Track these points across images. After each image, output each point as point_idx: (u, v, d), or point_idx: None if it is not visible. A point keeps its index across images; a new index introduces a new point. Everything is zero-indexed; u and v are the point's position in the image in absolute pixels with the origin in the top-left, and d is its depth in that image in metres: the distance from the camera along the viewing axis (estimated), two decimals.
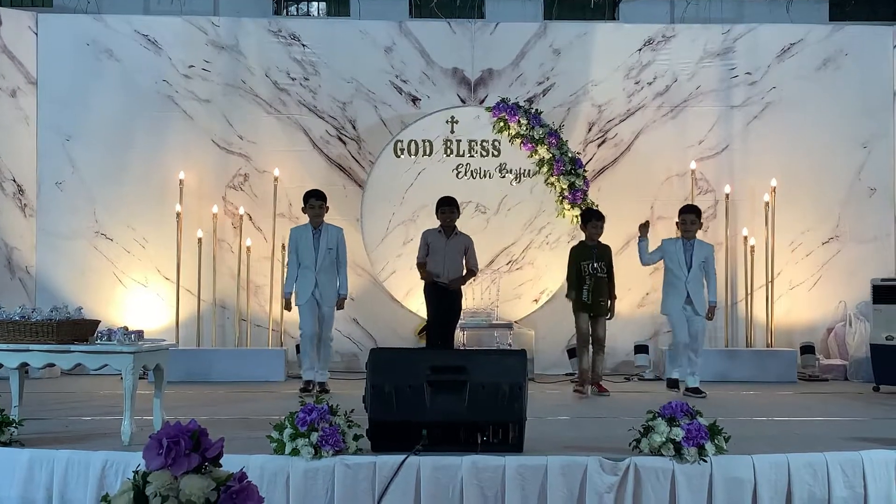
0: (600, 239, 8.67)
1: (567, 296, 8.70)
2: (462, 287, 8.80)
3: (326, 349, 8.57)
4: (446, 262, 8.59)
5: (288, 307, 8.59)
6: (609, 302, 8.58)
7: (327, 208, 8.59)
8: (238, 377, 9.38)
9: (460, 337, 9.40)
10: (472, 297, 9.86)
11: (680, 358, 8.61)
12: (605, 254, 8.63)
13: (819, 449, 5.21)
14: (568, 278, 8.70)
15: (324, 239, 8.45)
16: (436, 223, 8.77)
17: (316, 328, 8.47)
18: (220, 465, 2.84)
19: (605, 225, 8.71)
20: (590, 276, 8.45)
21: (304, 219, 8.67)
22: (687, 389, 8.42)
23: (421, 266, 8.70)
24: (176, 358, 9.19)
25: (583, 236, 8.87)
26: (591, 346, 8.59)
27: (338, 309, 8.61)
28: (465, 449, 4.97)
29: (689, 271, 8.50)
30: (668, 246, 8.66)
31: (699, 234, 8.82)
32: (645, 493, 4.85)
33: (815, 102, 10.66)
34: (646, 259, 8.74)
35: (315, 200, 8.49)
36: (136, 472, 2.83)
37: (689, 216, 8.61)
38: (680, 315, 8.53)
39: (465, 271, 8.72)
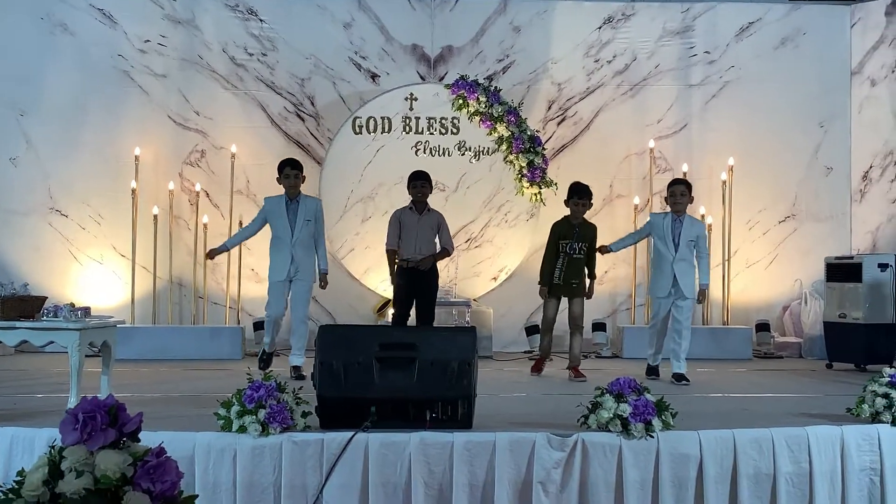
0: (586, 217, 8.06)
1: (540, 284, 8.06)
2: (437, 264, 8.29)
3: (302, 329, 7.86)
4: (418, 241, 8.06)
5: (211, 256, 8.14)
6: (589, 282, 8.09)
7: (304, 178, 7.97)
8: (195, 355, 9.31)
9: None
10: None
11: (655, 343, 8.08)
12: (587, 233, 7.99)
13: (767, 425, 5.24)
14: (545, 257, 8.08)
15: (301, 210, 7.76)
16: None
17: (283, 311, 7.93)
18: (139, 440, 2.82)
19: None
20: (565, 256, 7.92)
21: (263, 194, 8.30)
22: (673, 375, 7.78)
23: (391, 253, 8.14)
24: (132, 336, 9.20)
25: (566, 211, 8.11)
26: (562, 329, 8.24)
27: (322, 287, 8.05)
28: (414, 425, 4.94)
29: (676, 250, 7.79)
30: (656, 220, 7.96)
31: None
32: (592, 469, 4.86)
33: (772, 82, 10.72)
34: (619, 245, 8.27)
35: (290, 170, 7.82)
36: (52, 447, 2.81)
37: (679, 188, 7.90)
38: (662, 301, 7.90)
39: (438, 249, 8.21)
